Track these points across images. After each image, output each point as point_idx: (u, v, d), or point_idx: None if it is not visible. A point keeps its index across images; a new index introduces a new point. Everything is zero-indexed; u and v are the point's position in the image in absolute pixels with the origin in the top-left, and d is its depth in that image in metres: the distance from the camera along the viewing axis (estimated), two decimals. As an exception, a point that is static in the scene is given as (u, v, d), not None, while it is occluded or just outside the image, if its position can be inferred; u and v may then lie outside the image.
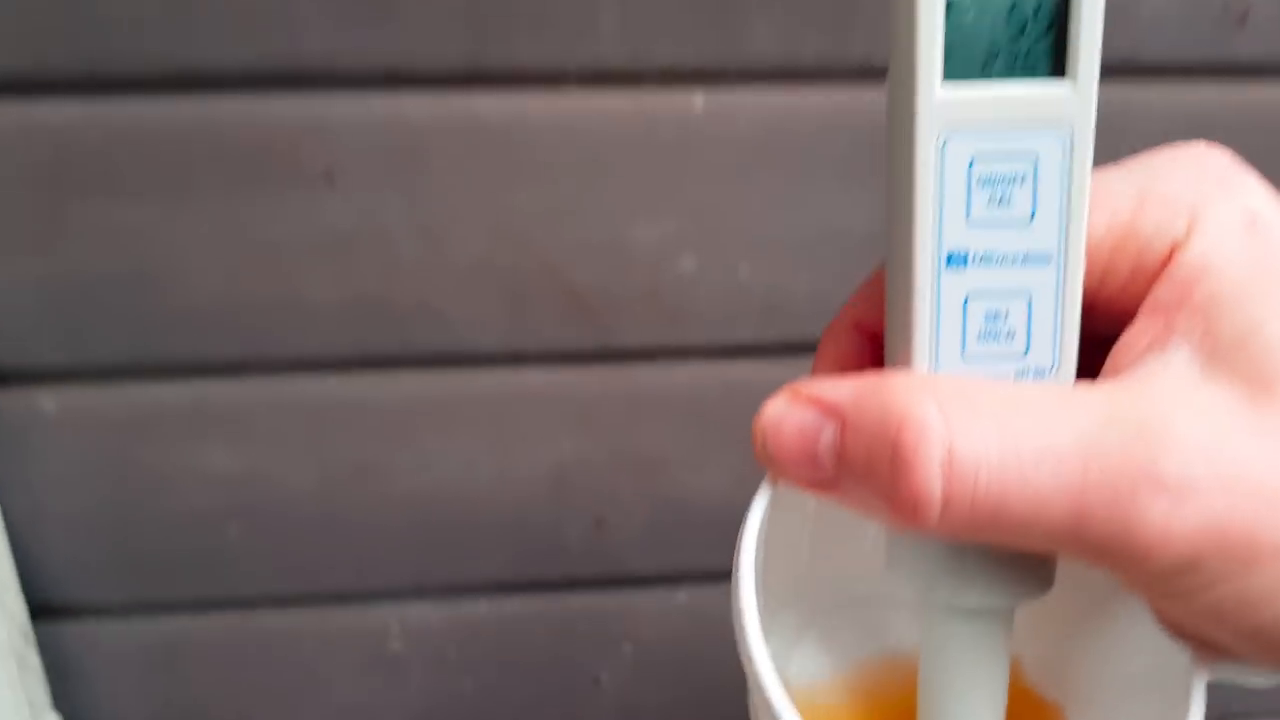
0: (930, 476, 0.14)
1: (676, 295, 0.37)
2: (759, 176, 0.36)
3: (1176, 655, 0.17)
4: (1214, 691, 0.18)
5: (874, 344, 0.18)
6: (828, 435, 0.15)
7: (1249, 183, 0.16)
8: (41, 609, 0.39)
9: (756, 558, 0.17)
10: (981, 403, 0.14)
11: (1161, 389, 0.14)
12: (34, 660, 0.39)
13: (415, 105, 0.34)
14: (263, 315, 0.36)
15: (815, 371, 0.19)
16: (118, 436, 0.37)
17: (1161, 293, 0.16)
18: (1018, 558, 0.16)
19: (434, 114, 0.34)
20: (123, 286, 0.35)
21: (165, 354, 0.36)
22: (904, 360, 0.16)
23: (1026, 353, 0.16)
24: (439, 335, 0.37)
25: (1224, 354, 0.14)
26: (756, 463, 0.17)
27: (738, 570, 0.17)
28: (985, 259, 0.15)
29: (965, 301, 0.16)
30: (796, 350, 0.38)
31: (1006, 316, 0.16)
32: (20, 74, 0.32)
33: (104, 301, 0.35)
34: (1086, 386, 0.15)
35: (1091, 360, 0.16)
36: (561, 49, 0.34)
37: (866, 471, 0.15)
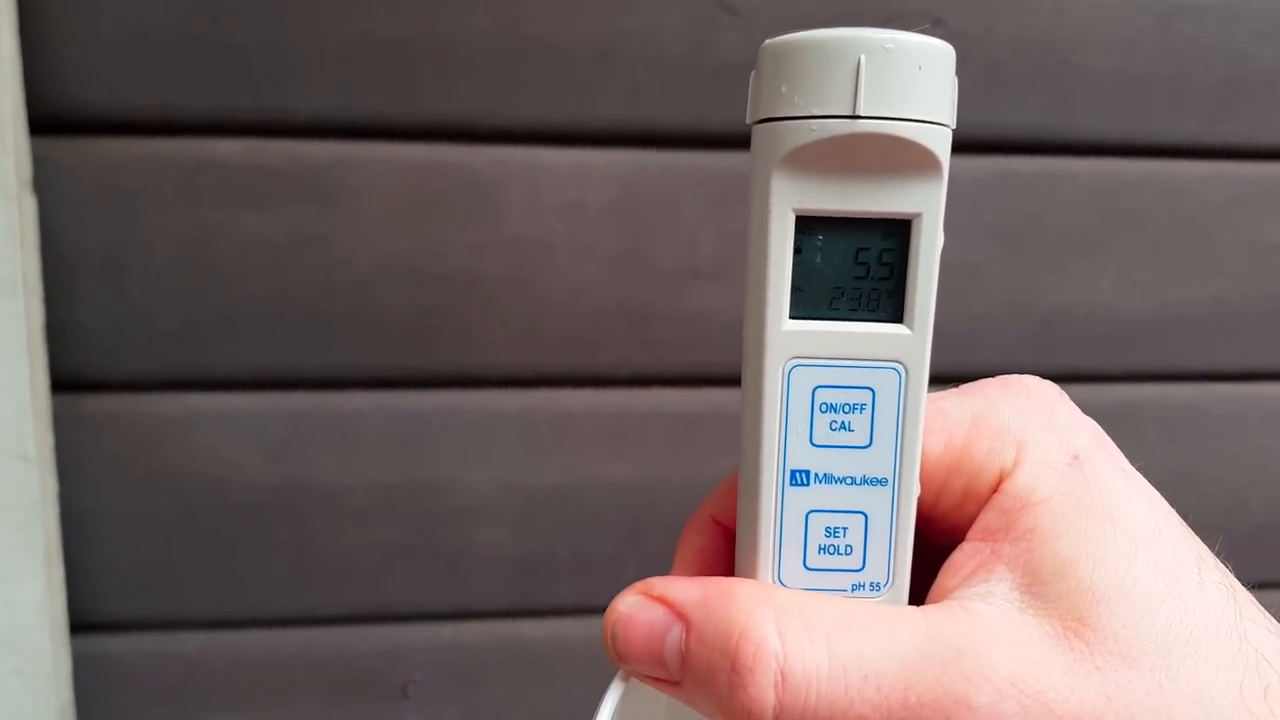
0: (764, 691, 0.15)
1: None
2: None
3: None
4: None
5: (729, 538, 0.19)
6: (674, 638, 0.16)
7: (1073, 419, 0.17)
8: None
9: None
10: (816, 621, 0.15)
11: (981, 618, 0.15)
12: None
13: (474, 631, 0.42)
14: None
15: (677, 561, 0.19)
16: None
17: (990, 519, 0.16)
18: None
19: (488, 639, 0.42)
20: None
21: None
22: (750, 566, 0.17)
23: (862, 568, 0.17)
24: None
25: (1040, 589, 0.15)
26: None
27: None
28: (826, 478, 0.16)
29: (807, 516, 0.16)
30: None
31: (845, 533, 0.17)
32: (158, 616, 0.41)
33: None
34: (914, 611, 0.16)
35: (925, 564, 0.17)
36: (596, 591, 0.41)
37: (707, 678, 0.15)
